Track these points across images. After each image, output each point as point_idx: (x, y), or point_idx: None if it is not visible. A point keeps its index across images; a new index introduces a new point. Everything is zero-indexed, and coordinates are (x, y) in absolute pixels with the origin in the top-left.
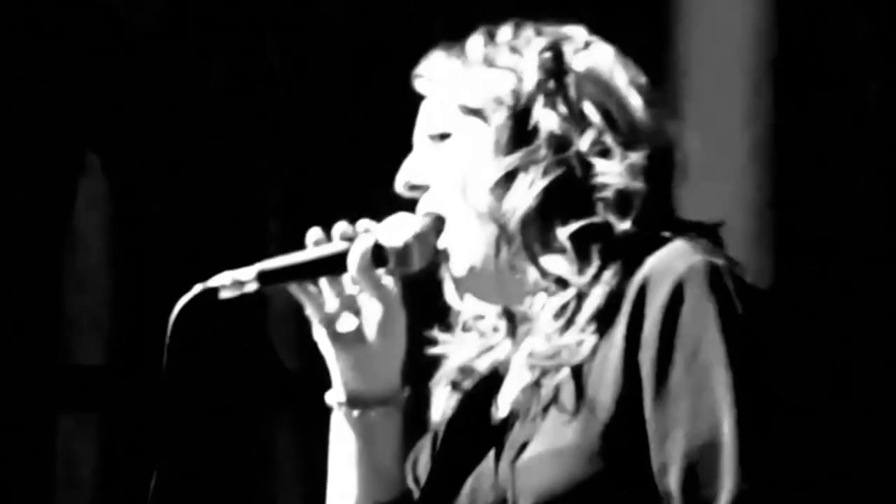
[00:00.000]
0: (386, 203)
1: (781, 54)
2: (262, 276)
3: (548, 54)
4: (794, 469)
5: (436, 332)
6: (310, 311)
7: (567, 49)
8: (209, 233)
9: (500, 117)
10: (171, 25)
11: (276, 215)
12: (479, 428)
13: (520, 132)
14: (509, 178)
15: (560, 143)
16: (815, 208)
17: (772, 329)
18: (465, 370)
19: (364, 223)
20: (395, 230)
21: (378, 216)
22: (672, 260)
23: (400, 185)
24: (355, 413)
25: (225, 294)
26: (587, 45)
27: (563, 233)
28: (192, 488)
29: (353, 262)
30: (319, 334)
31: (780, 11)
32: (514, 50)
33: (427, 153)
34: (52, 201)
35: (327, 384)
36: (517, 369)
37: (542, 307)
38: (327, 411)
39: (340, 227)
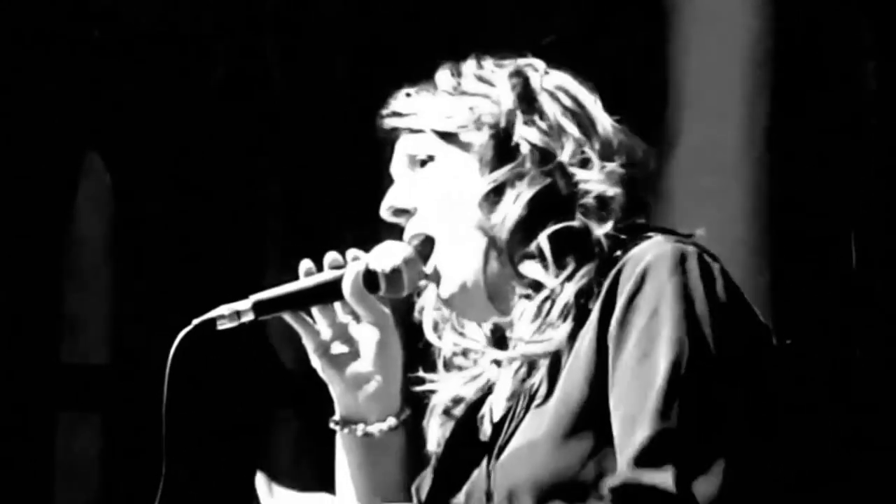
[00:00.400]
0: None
1: (781, 54)
2: (258, 307)
3: (516, 79)
4: (701, 453)
5: (420, 372)
6: (305, 340)
7: (532, 75)
8: (209, 232)
9: (482, 138)
10: (171, 25)
11: (276, 215)
12: (474, 441)
13: (503, 149)
14: (497, 192)
15: (543, 156)
16: (814, 208)
17: (736, 318)
18: (455, 400)
19: (353, 252)
20: (384, 256)
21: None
22: (646, 249)
23: (384, 212)
24: (357, 433)
25: (223, 325)
26: (548, 71)
27: (542, 237)
28: (192, 488)
29: (346, 286)
30: (316, 362)
31: (779, 12)
32: (481, 79)
33: (409, 180)
34: (52, 201)
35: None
36: (504, 380)
37: (521, 311)
38: (327, 412)
39: (330, 256)
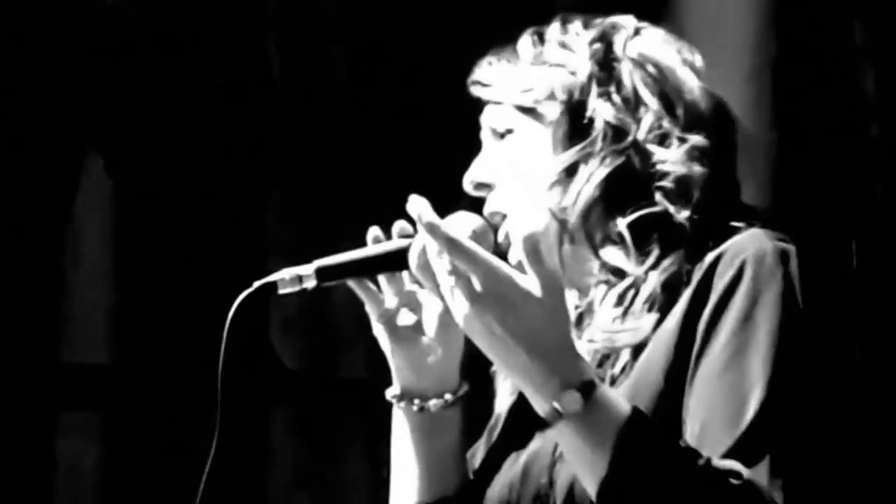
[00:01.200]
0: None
1: (781, 60)
2: (322, 273)
3: (598, 45)
4: (804, 461)
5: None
6: (368, 308)
7: (617, 38)
8: (209, 232)
9: (554, 113)
10: (170, 25)
11: (276, 214)
12: (533, 421)
13: (575, 126)
14: (569, 172)
15: (616, 134)
16: (814, 211)
17: (827, 324)
18: None
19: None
20: (454, 227)
21: (378, 216)
22: (744, 243)
23: (467, 185)
24: (414, 408)
25: (283, 290)
26: (637, 31)
27: (621, 223)
28: (192, 488)
29: (412, 257)
30: (378, 331)
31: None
32: (563, 45)
33: (491, 153)
34: (53, 201)
35: (327, 385)
36: None
37: (602, 298)
38: (327, 412)
39: (399, 224)
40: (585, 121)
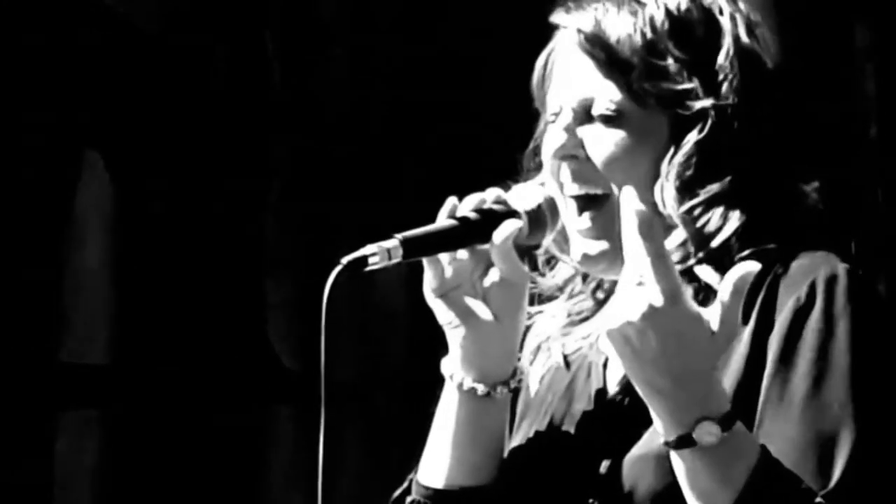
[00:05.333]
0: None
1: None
2: (407, 245)
3: (732, 43)
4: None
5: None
6: (430, 278)
7: (725, 21)
8: (209, 232)
9: (676, 119)
10: (170, 25)
11: (277, 215)
12: (577, 401)
13: (715, 144)
14: (686, 186)
15: (734, 148)
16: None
17: None
18: (560, 335)
19: (494, 192)
20: (525, 197)
21: (378, 215)
22: (813, 262)
23: (551, 151)
24: (465, 387)
25: (373, 264)
26: (749, 29)
27: (717, 241)
28: (192, 488)
29: (501, 232)
30: (439, 306)
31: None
32: (692, 41)
33: (584, 127)
34: (53, 201)
35: (327, 384)
36: None
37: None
38: (326, 411)
39: (476, 197)
40: (705, 132)
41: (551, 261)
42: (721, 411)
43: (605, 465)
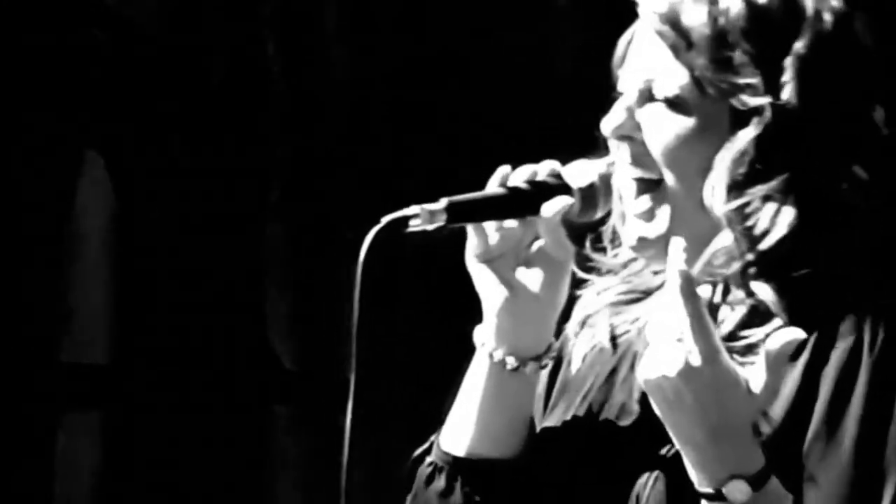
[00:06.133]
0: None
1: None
2: (452, 209)
3: (807, 41)
4: None
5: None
6: (477, 248)
7: (826, 16)
8: (209, 232)
9: (736, 113)
10: (170, 25)
11: (277, 214)
12: (618, 391)
13: (770, 143)
14: (736, 184)
15: (790, 149)
16: None
17: None
18: (608, 313)
19: (549, 164)
20: (580, 173)
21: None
22: (869, 296)
23: (608, 130)
24: (496, 359)
25: (415, 226)
26: (846, 19)
27: (766, 243)
28: (192, 488)
29: (551, 209)
30: (480, 272)
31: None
32: (765, 35)
33: (645, 108)
34: (52, 201)
35: (326, 384)
36: None
37: (733, 307)
38: (326, 411)
39: (528, 168)
40: (780, 145)
41: (615, 239)
42: (754, 469)
43: (665, 449)
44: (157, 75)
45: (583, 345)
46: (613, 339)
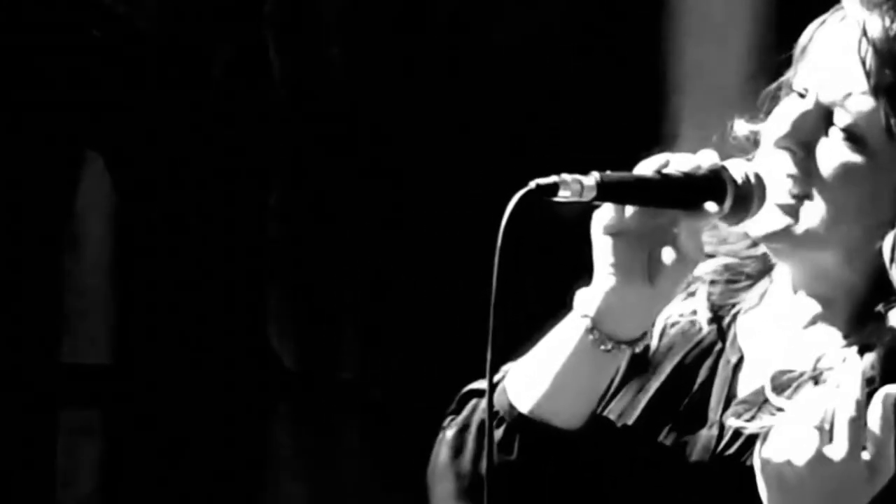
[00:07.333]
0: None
1: (783, 55)
2: (603, 188)
3: None
4: None
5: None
6: (611, 219)
7: None
8: (209, 232)
9: None
10: (171, 25)
11: (277, 215)
12: (704, 366)
13: None
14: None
15: None
16: None
17: None
18: (709, 283)
19: (711, 158)
20: (740, 173)
21: (378, 216)
22: None
23: (775, 136)
24: (592, 336)
25: (562, 195)
26: None
27: None
28: (192, 488)
29: (706, 213)
30: (605, 244)
31: (780, 13)
32: None
33: (820, 127)
34: (52, 201)
35: (326, 384)
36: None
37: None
38: (326, 411)
39: (689, 159)
40: None
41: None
42: None
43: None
44: (158, 75)
45: (669, 309)
46: (712, 319)
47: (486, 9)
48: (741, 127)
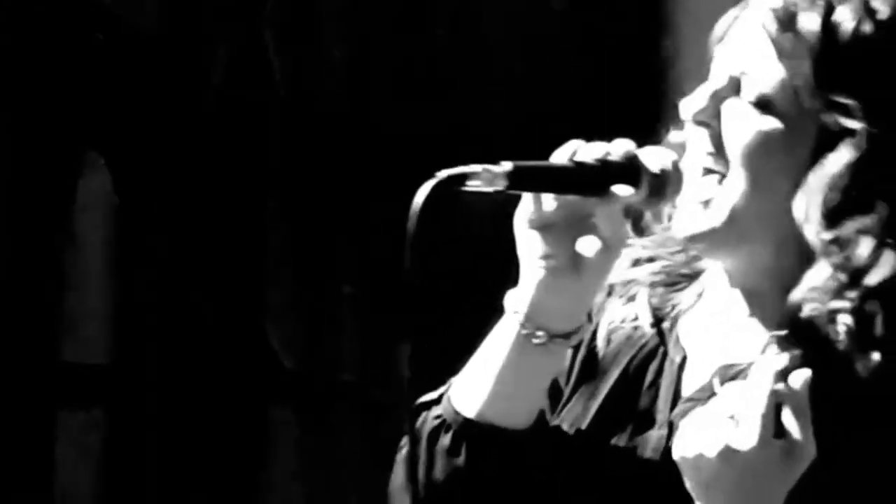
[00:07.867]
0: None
1: None
2: (514, 175)
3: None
4: None
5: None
6: (532, 213)
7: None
8: (209, 232)
9: (825, 134)
10: (170, 25)
11: (277, 215)
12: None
13: (868, 174)
14: (831, 212)
15: (887, 181)
16: None
17: None
18: (647, 286)
19: (624, 145)
20: (654, 158)
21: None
22: None
23: (688, 112)
24: (525, 330)
25: (472, 185)
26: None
27: (872, 279)
28: (192, 488)
29: (616, 195)
30: (528, 238)
31: None
32: (876, 58)
33: (732, 101)
34: (52, 201)
35: (326, 384)
36: (743, 341)
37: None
38: (326, 411)
39: (601, 146)
40: (851, 143)
41: (669, 220)
42: None
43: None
44: (157, 75)
45: (612, 314)
46: (653, 323)
47: (486, 9)
48: (674, 135)
